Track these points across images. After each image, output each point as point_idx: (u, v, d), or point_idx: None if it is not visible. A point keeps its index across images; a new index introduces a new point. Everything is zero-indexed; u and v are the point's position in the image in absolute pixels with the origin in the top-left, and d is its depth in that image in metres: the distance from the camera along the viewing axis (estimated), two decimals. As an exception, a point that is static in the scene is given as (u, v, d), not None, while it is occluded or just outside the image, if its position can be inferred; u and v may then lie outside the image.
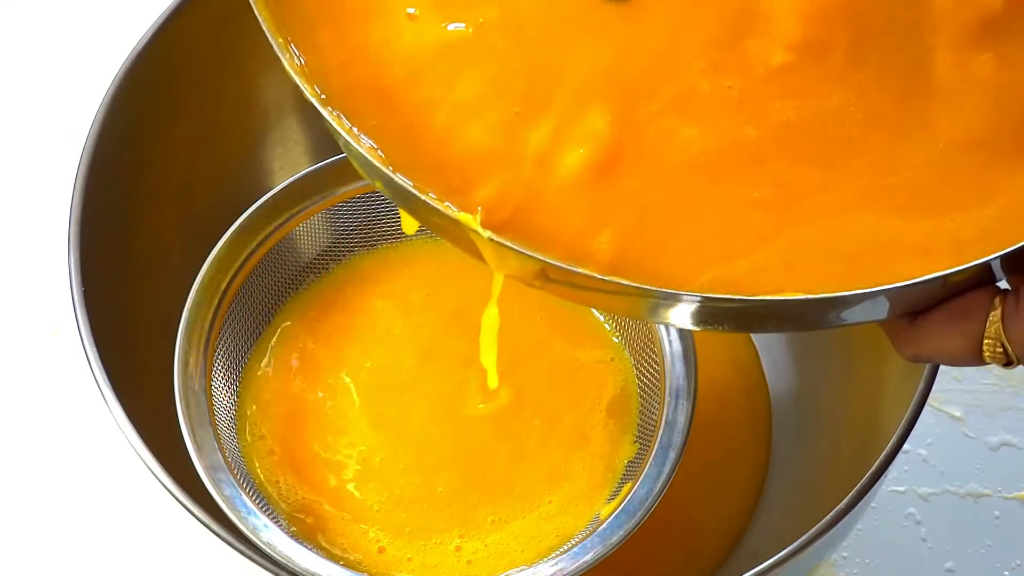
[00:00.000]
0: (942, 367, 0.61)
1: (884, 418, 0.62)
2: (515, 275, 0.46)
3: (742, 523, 0.71)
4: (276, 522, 0.60)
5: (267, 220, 0.65)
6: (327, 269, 0.68)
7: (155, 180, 0.70)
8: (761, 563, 0.56)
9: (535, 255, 0.44)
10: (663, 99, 0.47)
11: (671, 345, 0.63)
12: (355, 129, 0.47)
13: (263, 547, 0.58)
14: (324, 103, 0.47)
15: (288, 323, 0.67)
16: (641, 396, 0.64)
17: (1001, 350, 0.45)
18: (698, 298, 0.44)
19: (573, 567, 0.59)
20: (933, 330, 0.46)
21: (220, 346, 0.63)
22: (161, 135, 0.70)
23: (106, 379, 0.59)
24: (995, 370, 0.79)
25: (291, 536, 0.59)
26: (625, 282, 0.44)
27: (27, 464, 0.76)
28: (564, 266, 0.44)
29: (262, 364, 0.65)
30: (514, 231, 0.45)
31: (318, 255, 0.68)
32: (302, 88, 0.47)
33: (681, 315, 0.46)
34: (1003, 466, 0.77)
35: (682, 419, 0.61)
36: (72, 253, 0.62)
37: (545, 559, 0.60)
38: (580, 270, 0.44)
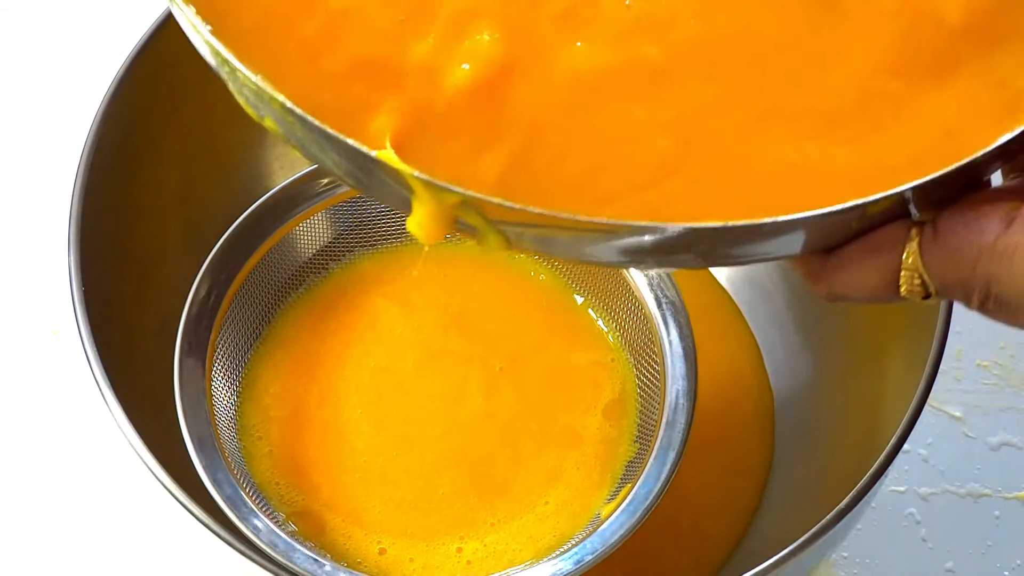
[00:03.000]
0: (942, 367, 0.61)
1: (884, 418, 0.62)
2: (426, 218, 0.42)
3: (745, 522, 0.71)
4: (277, 523, 0.60)
5: (267, 220, 0.65)
6: (327, 269, 0.68)
7: (154, 180, 0.70)
8: (761, 563, 0.56)
9: (468, 192, 0.40)
10: (555, 11, 0.44)
11: (671, 345, 0.63)
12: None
13: (263, 547, 0.58)
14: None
15: (289, 323, 0.67)
16: (641, 396, 0.64)
17: (919, 282, 0.44)
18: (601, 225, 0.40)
19: (573, 567, 0.59)
20: (848, 265, 0.45)
21: (220, 346, 0.63)
22: (160, 135, 0.70)
23: (106, 379, 0.59)
24: (995, 370, 0.79)
25: (291, 537, 0.59)
26: (554, 213, 0.40)
27: (27, 464, 0.76)
28: (503, 203, 0.40)
29: (263, 364, 0.65)
30: (404, 157, 0.41)
31: (318, 255, 0.68)
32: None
33: (584, 249, 0.42)
34: (1003, 466, 0.77)
35: (682, 419, 0.61)
36: (72, 253, 0.62)
37: (546, 559, 0.60)
38: (517, 206, 0.40)
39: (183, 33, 0.68)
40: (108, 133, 0.65)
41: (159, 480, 0.58)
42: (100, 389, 0.59)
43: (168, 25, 0.68)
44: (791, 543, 0.56)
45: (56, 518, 0.75)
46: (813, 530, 0.57)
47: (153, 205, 0.70)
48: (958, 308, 0.63)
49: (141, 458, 0.58)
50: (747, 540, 0.71)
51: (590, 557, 0.59)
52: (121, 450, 0.59)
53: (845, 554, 0.74)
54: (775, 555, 0.56)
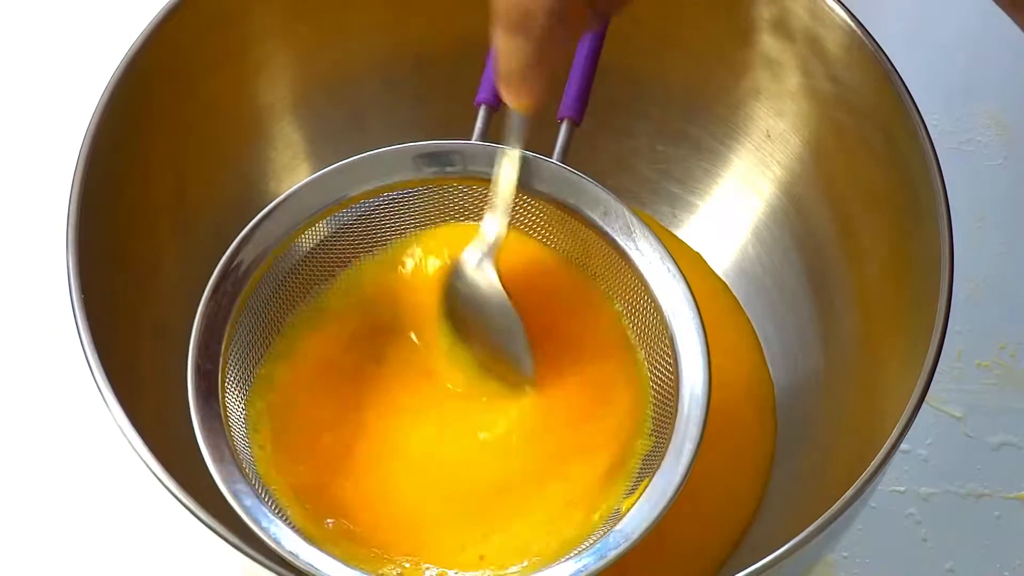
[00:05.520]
0: (942, 367, 0.61)
1: (884, 415, 0.62)
2: None
3: (748, 517, 0.71)
4: (294, 530, 0.59)
5: (275, 227, 0.64)
6: (335, 276, 0.67)
7: (153, 181, 0.70)
8: (763, 558, 0.56)
9: None
10: None
11: (683, 338, 0.62)
12: None
13: (287, 556, 0.57)
14: None
15: (301, 332, 0.65)
16: (655, 389, 0.64)
17: None
18: None
19: (596, 562, 0.58)
20: None
21: (232, 355, 0.62)
22: (158, 136, 0.70)
23: (106, 381, 0.59)
24: (995, 370, 0.79)
25: (313, 545, 0.58)
26: None
27: (27, 464, 0.76)
28: None
29: (274, 374, 0.65)
30: None
31: (328, 262, 0.67)
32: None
33: None
34: (1003, 466, 0.77)
35: (698, 411, 0.60)
36: (70, 255, 0.63)
37: (568, 555, 0.60)
38: None
39: (179, 34, 0.69)
40: (104, 136, 0.65)
41: (160, 481, 0.58)
42: (100, 390, 0.59)
43: (165, 26, 0.68)
44: (792, 539, 0.57)
45: (56, 518, 0.75)
46: (813, 527, 0.57)
47: (148, 209, 0.70)
48: (957, 308, 0.63)
49: (141, 458, 0.58)
50: (750, 535, 0.71)
51: (613, 552, 0.59)
52: (121, 451, 0.59)
53: (845, 554, 0.74)
54: (776, 551, 0.57)
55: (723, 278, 0.77)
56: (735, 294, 0.77)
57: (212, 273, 0.62)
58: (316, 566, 0.58)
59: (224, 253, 0.63)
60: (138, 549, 0.74)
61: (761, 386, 0.74)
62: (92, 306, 0.62)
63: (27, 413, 0.77)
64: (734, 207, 0.77)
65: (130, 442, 0.58)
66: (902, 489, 0.76)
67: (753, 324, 0.76)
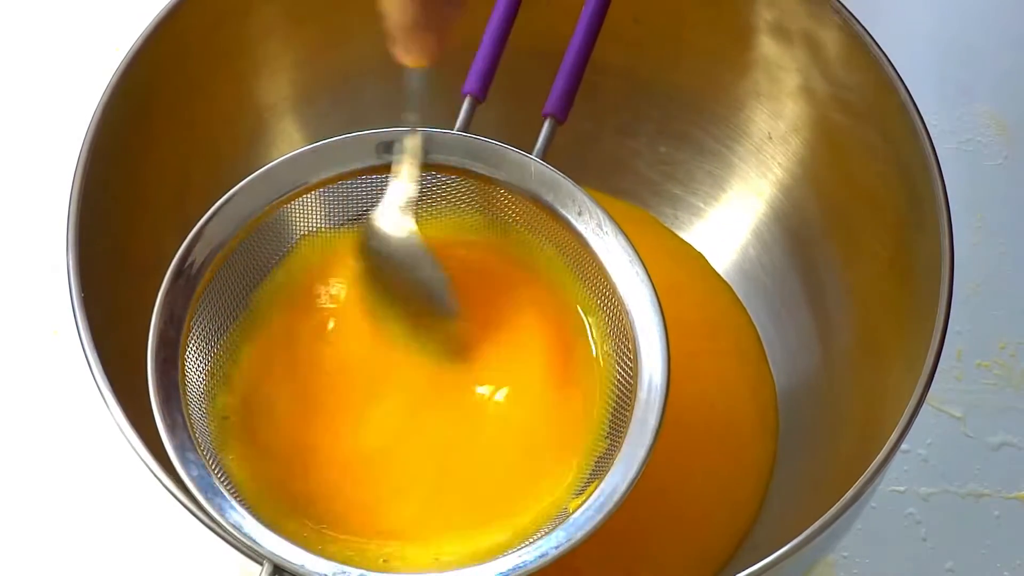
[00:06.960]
0: (942, 367, 0.61)
1: (884, 417, 0.62)
2: None
3: (750, 517, 0.71)
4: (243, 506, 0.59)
5: (246, 201, 0.63)
6: (307, 257, 0.66)
7: (151, 183, 0.70)
8: (761, 560, 0.56)
9: None
10: None
11: (645, 344, 0.62)
12: None
13: (230, 528, 0.57)
14: None
15: (267, 309, 0.65)
16: (615, 392, 0.64)
17: None
18: None
19: (536, 560, 0.58)
20: None
21: (196, 325, 0.62)
22: (156, 138, 0.70)
23: (106, 381, 0.59)
24: (995, 370, 0.79)
25: (257, 519, 0.58)
26: None
27: (27, 464, 0.76)
28: None
29: (239, 349, 0.64)
30: None
31: (300, 239, 0.66)
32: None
33: None
34: (1003, 466, 0.77)
35: (653, 418, 0.60)
36: (71, 255, 0.63)
37: (510, 550, 0.59)
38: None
39: (180, 33, 0.69)
40: (106, 134, 0.65)
41: (160, 481, 0.58)
42: (100, 390, 0.59)
43: (166, 25, 0.68)
44: (793, 539, 0.57)
45: (56, 518, 0.75)
46: (814, 527, 0.57)
47: (150, 208, 0.70)
48: (957, 308, 0.63)
49: (141, 458, 0.58)
50: (751, 535, 0.71)
51: (554, 551, 0.58)
52: (121, 450, 0.60)
53: (845, 554, 0.74)
54: (777, 551, 0.57)
55: (724, 278, 0.77)
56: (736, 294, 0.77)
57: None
58: (256, 539, 0.57)
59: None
60: (138, 548, 0.74)
61: (762, 386, 0.74)
62: (92, 306, 0.62)
63: (27, 413, 0.77)
64: (735, 208, 0.77)
65: (130, 442, 0.58)
66: (902, 489, 0.76)
67: (755, 324, 0.76)
